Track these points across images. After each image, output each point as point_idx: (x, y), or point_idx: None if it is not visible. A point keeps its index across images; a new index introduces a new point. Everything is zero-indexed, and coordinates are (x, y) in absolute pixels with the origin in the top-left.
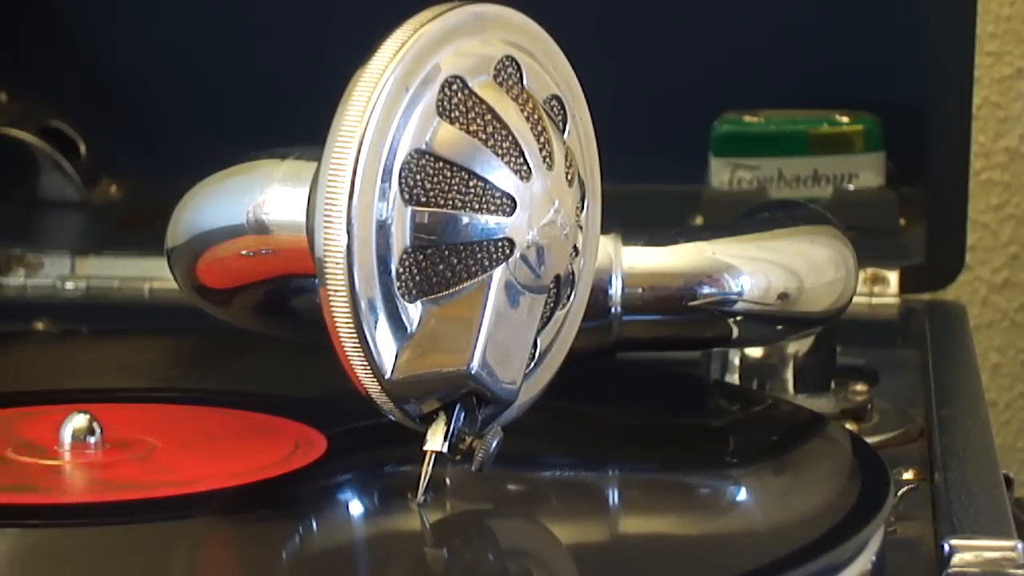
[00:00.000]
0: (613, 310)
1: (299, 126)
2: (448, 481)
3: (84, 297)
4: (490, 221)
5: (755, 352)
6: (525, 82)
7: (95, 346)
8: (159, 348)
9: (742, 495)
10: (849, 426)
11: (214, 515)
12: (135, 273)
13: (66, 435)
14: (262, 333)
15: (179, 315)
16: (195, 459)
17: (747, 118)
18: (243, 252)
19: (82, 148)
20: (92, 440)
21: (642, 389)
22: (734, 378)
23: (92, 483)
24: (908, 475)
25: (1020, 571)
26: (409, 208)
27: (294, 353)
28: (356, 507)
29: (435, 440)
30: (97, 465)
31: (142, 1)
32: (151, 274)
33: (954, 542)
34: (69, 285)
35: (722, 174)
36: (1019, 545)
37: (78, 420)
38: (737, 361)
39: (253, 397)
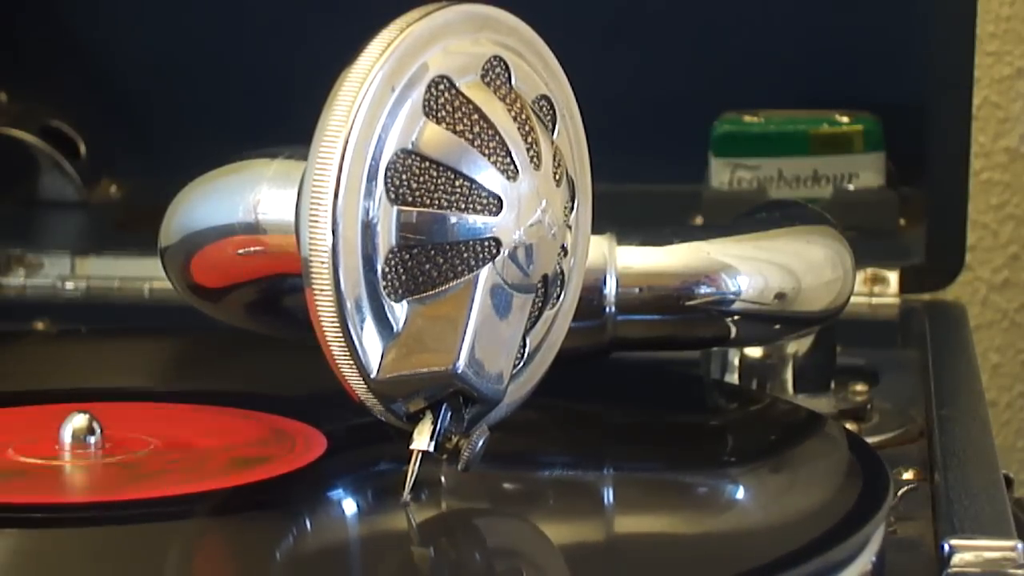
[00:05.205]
0: (607, 310)
1: (299, 126)
2: (444, 480)
3: (84, 297)
4: (476, 221)
5: (755, 352)
6: (514, 82)
7: (95, 346)
8: (159, 348)
9: (741, 495)
10: (849, 426)
11: (214, 515)
12: (135, 273)
13: (66, 435)
14: (257, 332)
15: (179, 315)
16: (195, 459)
17: (747, 118)
18: (234, 251)
19: (82, 148)
20: (92, 440)
21: (641, 389)
22: (734, 378)
23: (92, 483)
24: (908, 475)
25: (1020, 571)
26: (395, 208)
27: (293, 352)
28: (357, 506)
29: (421, 439)
30: (97, 465)
31: (142, 1)
32: (151, 274)
33: (954, 542)
34: (69, 285)
35: (722, 174)
36: (1019, 545)
37: (78, 420)
38: (736, 361)
39: (253, 396)
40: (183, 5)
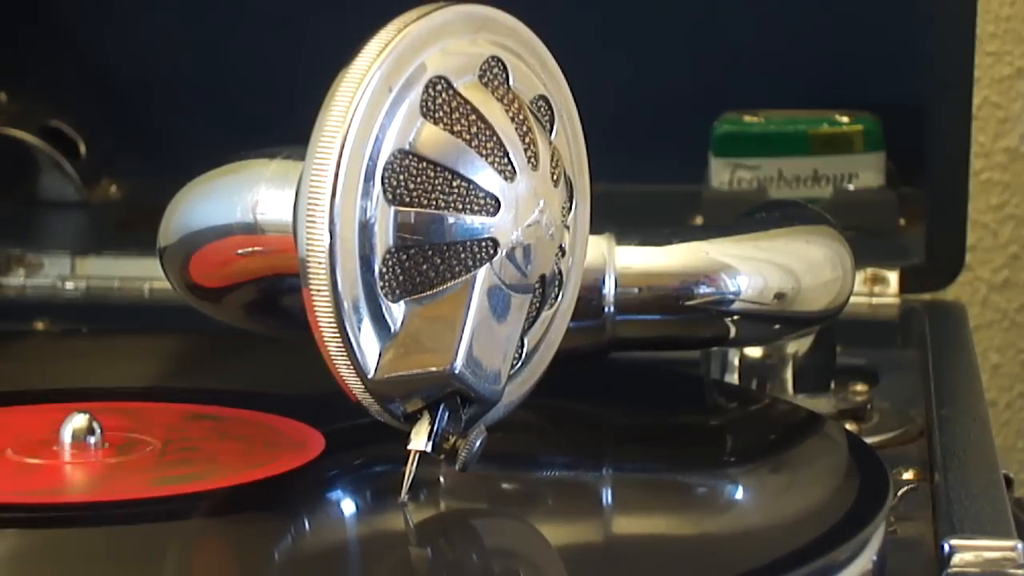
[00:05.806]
0: (606, 310)
1: (299, 126)
2: (442, 480)
3: (84, 297)
4: (474, 221)
5: (755, 352)
6: (512, 82)
7: (95, 346)
8: (159, 348)
9: (741, 495)
10: (849, 426)
11: (213, 515)
12: (135, 273)
13: (66, 435)
14: (256, 331)
15: (179, 315)
16: (194, 459)
17: (747, 118)
18: (233, 251)
19: (82, 148)
20: (92, 440)
21: (640, 389)
22: (733, 378)
23: (92, 483)
24: (908, 475)
25: (1020, 571)
26: (392, 208)
27: (292, 352)
28: (355, 506)
29: (419, 439)
30: (97, 465)
31: (142, 1)
32: (151, 274)
33: (954, 542)
34: (69, 285)
35: (722, 174)
36: (1019, 545)
37: (78, 420)
38: (736, 361)
39: (252, 396)
40: (183, 5)
